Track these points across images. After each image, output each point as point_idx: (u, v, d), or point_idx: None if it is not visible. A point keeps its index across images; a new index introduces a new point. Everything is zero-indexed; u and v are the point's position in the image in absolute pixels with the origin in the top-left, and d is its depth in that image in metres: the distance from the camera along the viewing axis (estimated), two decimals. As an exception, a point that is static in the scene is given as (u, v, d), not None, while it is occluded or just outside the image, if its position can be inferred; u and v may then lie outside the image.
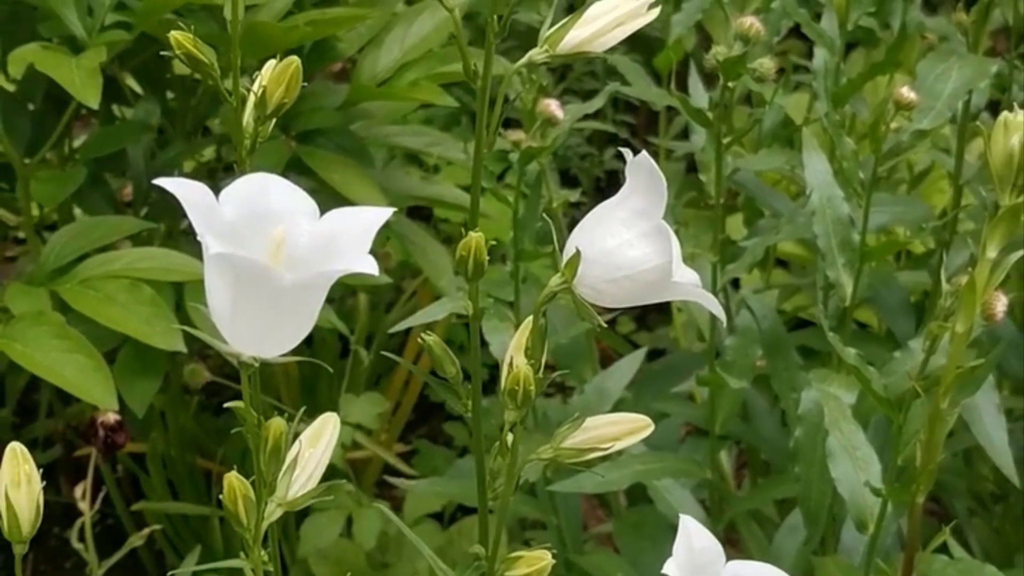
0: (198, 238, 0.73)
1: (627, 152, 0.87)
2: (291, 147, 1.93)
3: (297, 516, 2.09)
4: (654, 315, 2.81)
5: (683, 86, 1.82)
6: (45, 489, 2.41)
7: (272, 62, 0.94)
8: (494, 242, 0.91)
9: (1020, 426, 1.95)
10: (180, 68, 2.22)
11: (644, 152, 0.84)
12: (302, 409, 0.89)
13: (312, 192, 2.08)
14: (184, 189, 0.75)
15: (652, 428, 0.94)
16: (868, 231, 1.54)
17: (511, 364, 0.89)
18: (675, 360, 1.99)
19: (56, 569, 2.32)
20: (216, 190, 2.28)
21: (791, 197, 1.91)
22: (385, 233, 2.23)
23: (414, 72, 1.96)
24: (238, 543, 2.15)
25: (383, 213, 0.78)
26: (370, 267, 0.73)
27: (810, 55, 1.82)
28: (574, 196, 1.65)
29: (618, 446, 0.93)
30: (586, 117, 2.02)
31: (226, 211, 0.77)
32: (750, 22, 1.38)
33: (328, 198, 2.01)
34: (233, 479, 0.81)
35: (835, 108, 1.66)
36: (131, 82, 2.07)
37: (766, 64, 1.43)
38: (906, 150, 1.41)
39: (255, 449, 0.81)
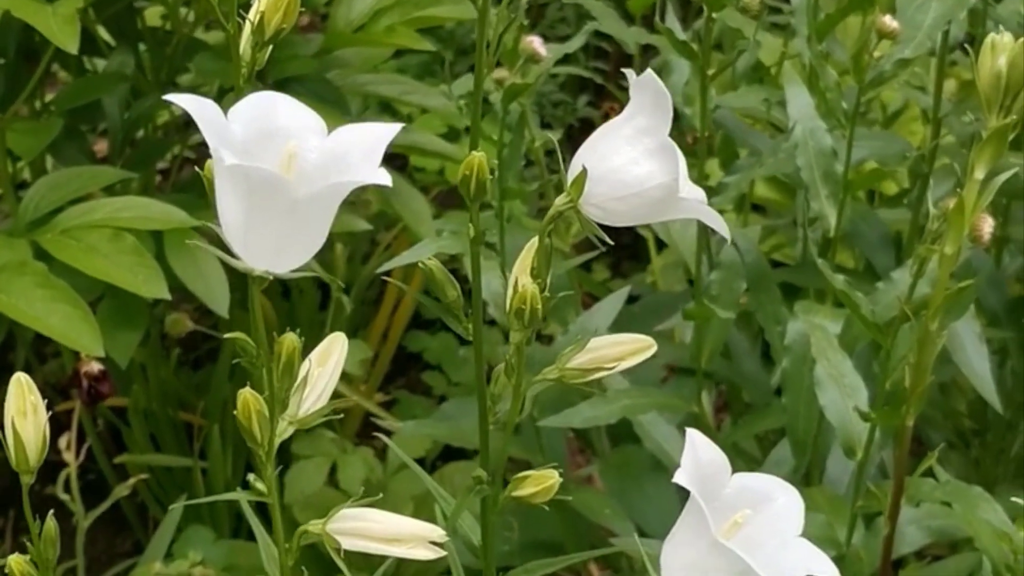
0: (210, 152, 0.73)
1: (630, 73, 0.87)
2: (268, 94, 1.92)
3: (281, 464, 2.09)
4: (628, 263, 2.83)
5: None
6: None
7: (267, -12, 0.93)
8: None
9: (996, 360, 1.98)
10: (152, 19, 2.21)
11: (649, 70, 0.84)
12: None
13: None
14: (196, 104, 0.75)
15: (655, 348, 0.95)
16: (849, 167, 1.56)
17: (516, 285, 0.89)
18: (656, 300, 2.01)
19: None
20: (186, 144, 2.26)
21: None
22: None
23: (389, 18, 1.96)
24: (221, 494, 2.15)
25: (393, 128, 0.78)
26: (383, 178, 0.73)
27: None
28: (557, 136, 1.66)
29: (622, 366, 0.94)
30: (558, 63, 2.02)
31: (235, 129, 0.77)
32: (735, -46, 1.39)
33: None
34: (248, 394, 0.81)
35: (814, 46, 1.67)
36: (104, 35, 2.06)
37: (750, -4, 1.44)
38: (889, 79, 1.42)
39: (265, 370, 0.81)
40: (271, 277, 0.78)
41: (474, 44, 2.77)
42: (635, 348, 0.94)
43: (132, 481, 1.84)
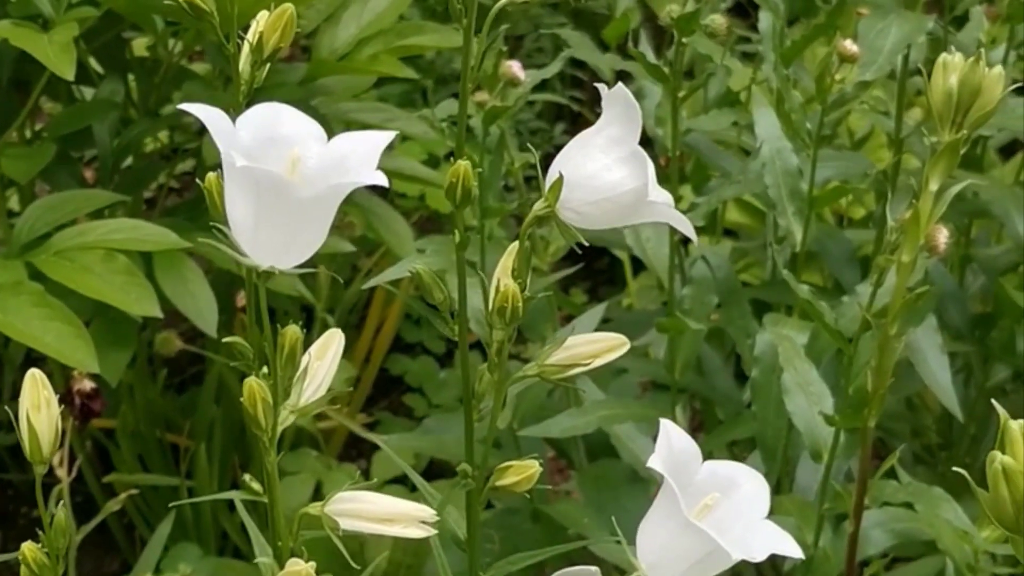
0: (221, 156, 0.79)
1: (602, 87, 0.94)
2: (253, 123, 1.98)
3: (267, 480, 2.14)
4: (605, 287, 2.89)
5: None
6: (12, 468, 2.45)
7: (265, 12, 1.00)
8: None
9: (961, 377, 2.05)
10: (140, 50, 2.28)
11: (621, 84, 0.91)
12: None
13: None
14: (207, 113, 0.81)
15: (628, 346, 1.01)
16: (814, 186, 1.63)
17: (498, 285, 0.95)
18: (631, 317, 2.07)
19: (28, 546, 2.35)
20: (171, 173, 2.31)
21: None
22: (345, 206, 2.28)
23: (372, 47, 2.02)
24: (208, 514, 2.19)
25: (388, 135, 0.84)
26: (380, 179, 0.80)
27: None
28: (534, 159, 1.72)
29: (597, 363, 1.00)
30: (536, 91, 2.08)
31: (242, 136, 0.83)
32: (702, -21, 1.46)
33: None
34: (253, 383, 0.87)
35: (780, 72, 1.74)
36: (94, 65, 2.12)
37: (718, 20, 1.51)
38: (851, 100, 1.49)
39: (271, 357, 0.87)
40: (277, 272, 0.84)
41: (453, 73, 2.83)
42: (609, 346, 1.00)
43: (122, 497, 1.89)
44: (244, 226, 0.81)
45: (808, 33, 1.70)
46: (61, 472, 1.86)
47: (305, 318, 2.42)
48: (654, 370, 1.91)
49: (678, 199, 1.69)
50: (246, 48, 0.99)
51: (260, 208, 0.79)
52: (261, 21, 0.99)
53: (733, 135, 1.97)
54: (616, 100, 0.91)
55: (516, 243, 0.96)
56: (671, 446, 0.92)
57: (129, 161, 2.19)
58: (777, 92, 1.55)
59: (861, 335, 1.33)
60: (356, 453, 2.54)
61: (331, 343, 0.96)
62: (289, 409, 0.91)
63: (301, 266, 0.84)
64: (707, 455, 1.83)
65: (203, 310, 1.86)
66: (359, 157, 0.84)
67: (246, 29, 1.01)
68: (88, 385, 1.87)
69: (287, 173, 0.82)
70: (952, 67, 1.17)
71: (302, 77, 2.06)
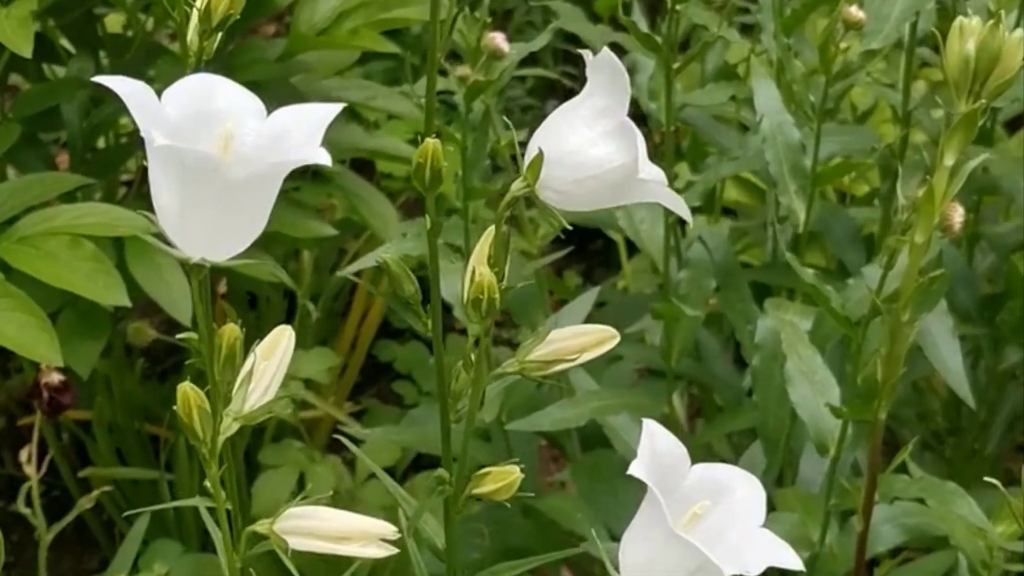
0: (142, 135, 0.70)
1: (587, 53, 0.85)
2: (230, 101, 1.90)
3: (248, 474, 2.07)
4: (600, 270, 2.80)
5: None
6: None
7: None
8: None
9: (969, 360, 1.96)
10: (113, 26, 2.19)
11: (606, 49, 0.82)
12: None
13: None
14: (125, 86, 0.72)
15: (618, 339, 0.92)
16: (818, 162, 1.54)
17: (474, 274, 0.87)
18: (625, 301, 1.98)
19: (2, 542, 2.27)
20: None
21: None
22: (328, 187, 2.20)
23: (353, 20, 1.94)
24: (189, 509, 2.11)
25: (334, 107, 0.75)
26: (323, 157, 0.71)
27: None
28: (520, 136, 1.63)
29: (584, 358, 0.92)
30: (526, 65, 1.99)
31: (169, 111, 0.74)
32: (696, -56, 1.36)
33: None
34: (187, 388, 0.78)
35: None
36: (64, 42, 2.03)
37: (714, -15, 1.42)
38: (856, 70, 1.40)
39: (208, 360, 0.78)
40: (208, 266, 0.75)
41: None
42: (597, 339, 0.92)
43: (95, 494, 1.81)
44: (170, 213, 0.71)
45: (810, 1, 1.61)
46: (30, 469, 1.78)
47: (288, 304, 2.33)
48: (650, 356, 1.82)
49: (673, 177, 1.61)
50: (195, 16, 0.90)
51: (187, 193, 0.70)
52: (208, -14, 0.90)
53: (731, 110, 1.88)
54: (601, 67, 0.83)
55: (492, 227, 0.87)
56: (655, 449, 0.84)
57: (102, 143, 2.11)
58: (778, 62, 1.46)
59: (870, 321, 1.24)
60: (343, 444, 2.46)
61: (279, 341, 0.88)
62: (232, 416, 0.82)
63: (240, 256, 0.75)
64: (705, 446, 1.76)
65: (177, 299, 1.77)
66: (302, 133, 0.74)
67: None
68: (56, 378, 1.78)
69: (219, 152, 0.73)
70: (969, 31, 1.08)
71: (280, 53, 1.98)
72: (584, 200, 0.84)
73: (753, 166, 1.59)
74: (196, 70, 0.91)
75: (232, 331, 0.78)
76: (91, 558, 2.24)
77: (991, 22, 1.08)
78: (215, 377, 0.78)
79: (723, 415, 1.71)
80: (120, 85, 0.72)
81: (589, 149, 0.82)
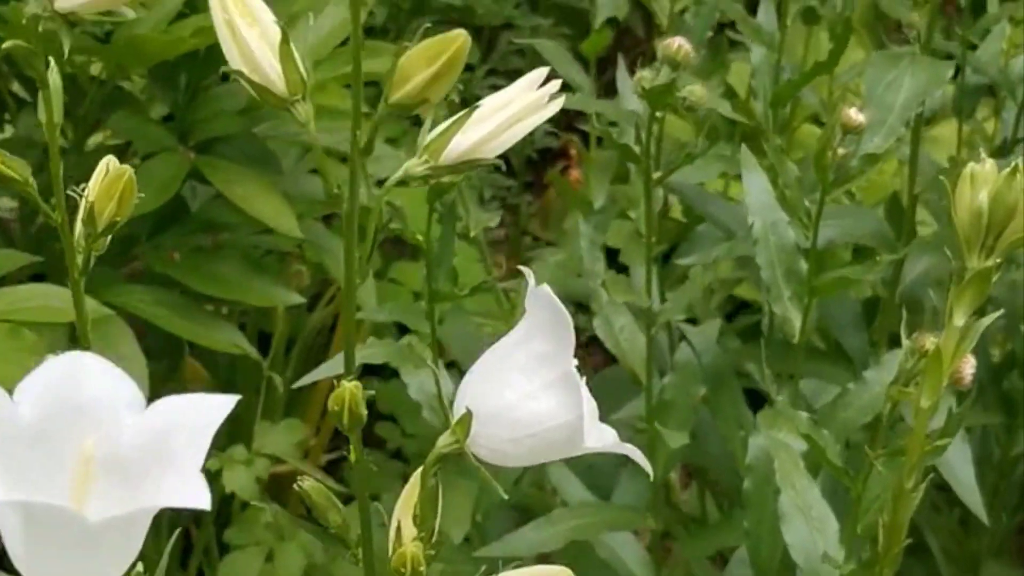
0: None
1: (528, 272, 0.72)
2: (190, 159, 1.77)
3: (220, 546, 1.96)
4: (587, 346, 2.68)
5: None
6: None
7: (101, 168, 0.78)
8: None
9: (976, 438, 1.83)
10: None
11: (545, 287, 0.69)
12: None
13: (215, 199, 1.89)
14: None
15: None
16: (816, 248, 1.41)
17: (399, 532, 0.74)
18: (615, 375, 1.83)
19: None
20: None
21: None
22: (298, 241, 2.07)
23: (320, 73, 1.80)
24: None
25: (227, 401, 0.61)
26: (200, 499, 0.57)
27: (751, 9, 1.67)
28: (494, 221, 1.50)
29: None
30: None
31: (24, 412, 0.61)
32: (678, 44, 1.22)
33: (233, 209, 1.85)
34: None
35: (774, 109, 1.52)
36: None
37: (697, 92, 1.27)
38: (855, 176, 1.27)
39: None
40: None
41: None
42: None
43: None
44: (17, 555, 0.58)
45: (806, 72, 1.48)
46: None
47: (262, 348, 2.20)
48: (638, 440, 1.70)
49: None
50: (79, 222, 0.77)
51: (31, 540, 0.57)
52: (94, 186, 0.78)
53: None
54: (540, 304, 0.70)
55: (418, 474, 0.75)
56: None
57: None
58: (770, 167, 1.32)
59: (869, 474, 1.13)
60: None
61: None
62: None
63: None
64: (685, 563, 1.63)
65: (134, 376, 1.65)
66: (186, 439, 0.60)
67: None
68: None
69: (78, 479, 0.60)
70: (982, 180, 0.95)
71: (244, 104, 1.84)
72: (524, 457, 0.72)
73: (747, 251, 1.45)
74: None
75: None
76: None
77: (1007, 171, 0.95)
78: None
79: (710, 530, 1.59)
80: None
81: (528, 403, 0.69)
